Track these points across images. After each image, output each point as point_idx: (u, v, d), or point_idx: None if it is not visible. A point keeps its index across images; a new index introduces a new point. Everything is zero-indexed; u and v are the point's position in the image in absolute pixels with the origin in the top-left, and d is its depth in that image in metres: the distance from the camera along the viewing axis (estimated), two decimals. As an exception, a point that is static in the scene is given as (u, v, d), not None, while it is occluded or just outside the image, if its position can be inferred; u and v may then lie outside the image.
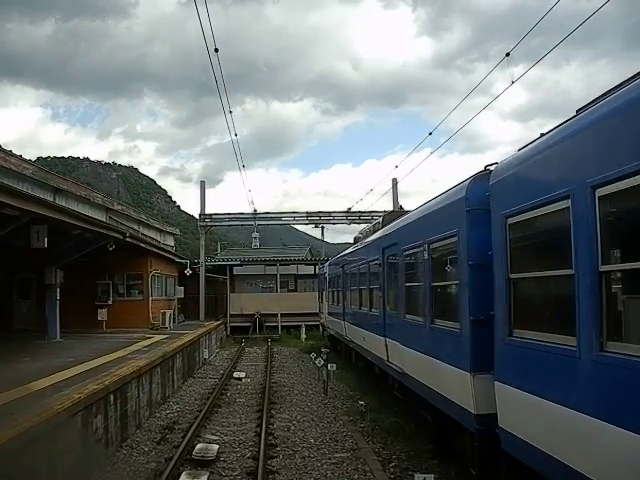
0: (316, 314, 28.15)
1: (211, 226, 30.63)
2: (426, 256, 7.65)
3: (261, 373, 18.11)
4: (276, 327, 30.01)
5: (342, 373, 16.90)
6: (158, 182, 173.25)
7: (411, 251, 8.62)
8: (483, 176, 6.29)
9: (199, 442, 9.61)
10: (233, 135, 17.28)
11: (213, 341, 23.98)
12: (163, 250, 23.80)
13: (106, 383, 8.83)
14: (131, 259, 21.13)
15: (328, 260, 26.14)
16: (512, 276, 5.21)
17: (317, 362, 16.35)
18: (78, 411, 7.34)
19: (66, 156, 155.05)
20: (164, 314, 21.20)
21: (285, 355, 23.29)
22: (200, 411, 12.07)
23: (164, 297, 24.19)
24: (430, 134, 14.44)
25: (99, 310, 20.54)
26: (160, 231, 31.62)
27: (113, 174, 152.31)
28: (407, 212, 10.92)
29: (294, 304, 29.77)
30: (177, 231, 37.46)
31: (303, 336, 27.01)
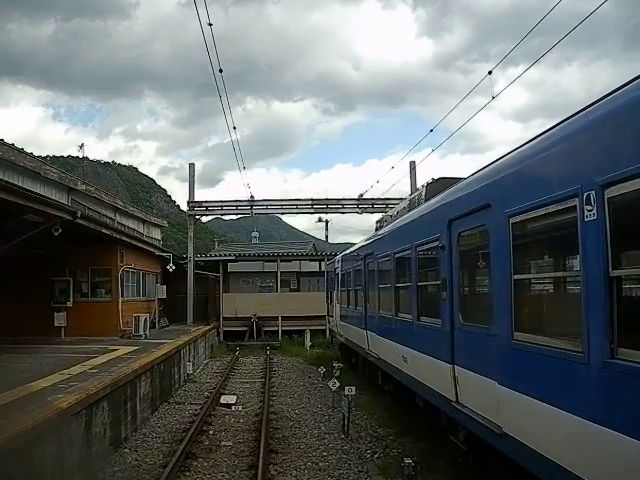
0: (322, 317, 24.38)
1: (201, 215, 26.61)
2: (594, 215, 3.66)
3: (257, 395, 14.11)
4: (276, 332, 26.01)
5: (363, 397, 13.00)
6: (158, 182, 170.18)
7: (533, 214, 4.59)
8: None
9: None
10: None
11: (201, 350, 19.99)
12: (139, 240, 19.62)
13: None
14: (97, 251, 17.13)
15: (336, 255, 22.27)
16: None
17: (331, 384, 12.40)
18: None
19: (65, 155, 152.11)
20: (138, 318, 17.15)
21: (287, 367, 19.30)
22: (165, 466, 8.15)
23: (140, 298, 20.09)
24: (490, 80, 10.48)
25: (56, 314, 16.53)
26: (143, 221, 27.47)
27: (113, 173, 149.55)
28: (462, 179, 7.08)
29: (297, 306, 25.77)
30: (165, 223, 33.32)
31: (308, 343, 22.95)
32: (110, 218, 21.86)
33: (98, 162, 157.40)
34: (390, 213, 12.74)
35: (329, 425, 10.97)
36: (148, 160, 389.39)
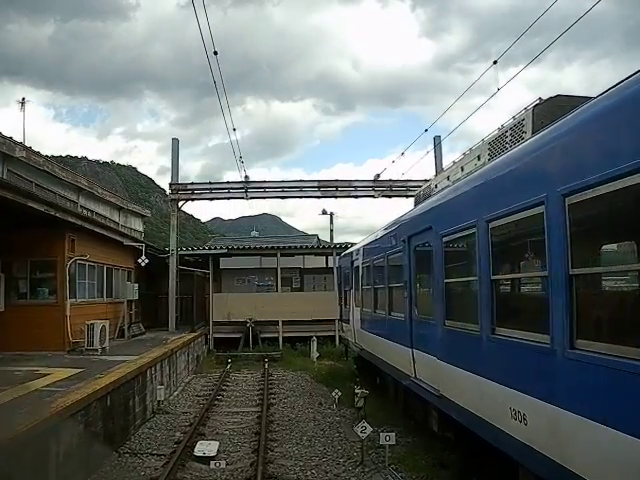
0: (330, 322, 20.63)
1: (186, 200, 22.46)
2: None
3: (249, 438, 9.96)
4: (276, 340, 21.89)
5: (401, 439, 8.94)
6: (157, 181, 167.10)
7: None
8: None
9: None
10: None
11: (181, 366, 15.86)
12: (97, 224, 15.23)
13: None
14: (39, 237, 13.02)
15: (347, 247, 18.23)
16: None
17: (359, 431, 8.31)
18: None
19: (64, 155, 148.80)
20: (92, 327, 13.01)
21: (290, 388, 15.18)
22: None
23: (104, 299, 15.91)
24: None
25: (-20, 322, 12.40)
26: (119, 208, 23.28)
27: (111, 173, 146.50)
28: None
29: (300, 308, 21.67)
30: (147, 212, 29.14)
31: (315, 354, 18.77)
32: (71, 201, 17.73)
33: (97, 162, 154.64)
34: (445, 175, 8.63)
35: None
36: (148, 160, 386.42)
